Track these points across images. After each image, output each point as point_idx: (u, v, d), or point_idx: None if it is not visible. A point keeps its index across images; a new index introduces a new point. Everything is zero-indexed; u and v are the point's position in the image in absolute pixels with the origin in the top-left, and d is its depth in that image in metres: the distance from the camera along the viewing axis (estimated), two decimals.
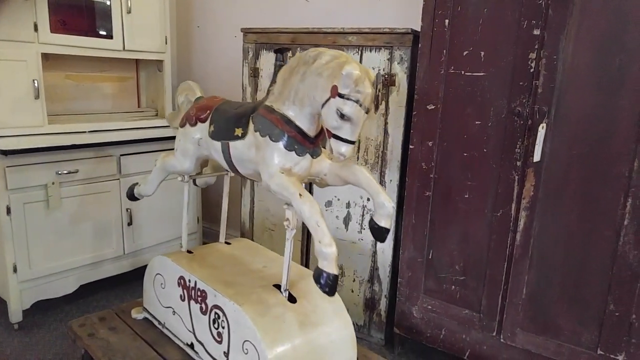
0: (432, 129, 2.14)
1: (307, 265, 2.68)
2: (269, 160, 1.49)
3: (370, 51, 2.31)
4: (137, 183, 2.08)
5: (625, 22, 1.69)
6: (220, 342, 1.65)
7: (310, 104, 1.43)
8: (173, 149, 2.96)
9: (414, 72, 2.23)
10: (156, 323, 2.00)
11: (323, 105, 1.37)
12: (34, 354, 2.35)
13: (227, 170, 2.01)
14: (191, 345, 1.80)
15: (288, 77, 1.49)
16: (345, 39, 2.34)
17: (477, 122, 2.02)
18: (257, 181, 1.72)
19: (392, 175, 2.34)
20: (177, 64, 3.80)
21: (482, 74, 1.99)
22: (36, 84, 2.64)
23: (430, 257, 2.23)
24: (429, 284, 2.25)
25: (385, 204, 1.45)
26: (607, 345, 1.85)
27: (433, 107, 2.12)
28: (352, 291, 2.54)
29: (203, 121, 1.74)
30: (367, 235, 2.43)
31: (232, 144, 1.62)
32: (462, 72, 2.03)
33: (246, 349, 1.53)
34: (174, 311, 1.88)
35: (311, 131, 1.50)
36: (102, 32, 2.97)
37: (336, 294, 1.74)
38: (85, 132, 2.91)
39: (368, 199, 2.42)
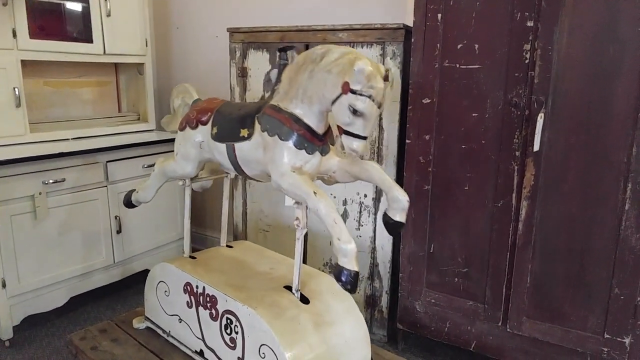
0: (428, 123, 2.14)
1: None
2: (279, 160, 1.46)
3: (362, 47, 2.30)
4: (134, 190, 2.03)
5: (617, 13, 1.73)
6: (233, 348, 1.62)
7: (319, 101, 1.41)
8: (163, 153, 2.95)
9: (407, 67, 2.24)
10: (160, 332, 1.95)
11: (334, 102, 1.36)
12: None
13: (226, 173, 1.99)
14: (200, 353, 1.76)
15: (294, 76, 1.47)
16: (336, 35, 2.33)
17: (474, 115, 2.04)
18: (262, 181, 1.70)
19: (389, 170, 2.34)
20: (156, 67, 3.73)
21: (477, 66, 2.00)
22: (17, 92, 2.57)
23: (431, 251, 2.24)
24: (431, 278, 2.26)
25: (400, 198, 1.44)
26: (613, 329, 1.89)
27: (429, 101, 2.12)
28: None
29: (204, 123, 1.70)
30: (365, 232, 2.43)
31: (237, 145, 1.59)
32: (457, 65, 2.04)
33: (263, 353, 1.51)
34: (180, 319, 1.84)
35: (320, 129, 1.48)
36: (82, 37, 2.89)
37: (346, 293, 1.74)
38: (68, 139, 2.85)
39: (365, 196, 2.41)
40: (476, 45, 1.99)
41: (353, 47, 2.30)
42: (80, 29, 2.93)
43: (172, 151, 2.97)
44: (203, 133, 1.71)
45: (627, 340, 1.87)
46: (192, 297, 1.77)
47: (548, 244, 1.97)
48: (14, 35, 2.54)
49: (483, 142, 2.04)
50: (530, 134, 1.91)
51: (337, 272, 1.36)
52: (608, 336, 1.90)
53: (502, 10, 1.92)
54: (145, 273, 2.98)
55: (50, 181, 2.49)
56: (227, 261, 1.92)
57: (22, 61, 2.60)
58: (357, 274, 1.35)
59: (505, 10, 1.91)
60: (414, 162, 2.20)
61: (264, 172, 1.58)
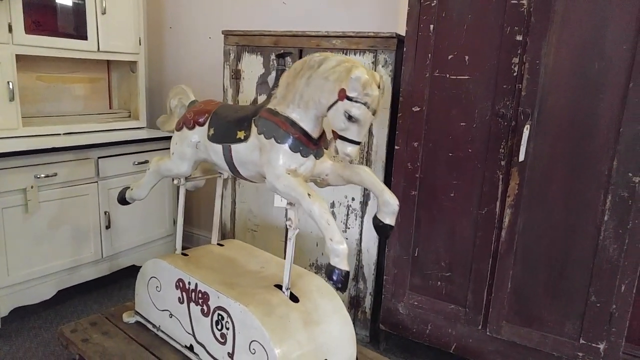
0: (417, 130, 2.20)
1: None
2: (275, 162, 1.51)
3: (355, 54, 2.36)
4: (128, 187, 2.06)
5: (604, 31, 1.81)
6: (224, 344, 1.66)
7: (315, 106, 1.47)
8: (154, 151, 2.98)
9: (398, 75, 2.30)
10: (150, 326, 1.99)
11: (330, 107, 1.41)
12: None
13: (219, 173, 2.04)
14: (190, 348, 1.80)
15: (292, 81, 1.52)
16: (330, 42, 2.38)
17: (462, 124, 2.11)
18: (256, 182, 1.74)
19: (377, 175, 2.37)
20: (148, 65, 3.75)
21: (466, 77, 2.07)
22: (11, 86, 2.58)
23: (416, 255, 2.30)
24: (414, 281, 2.33)
25: (390, 202, 1.49)
26: (588, 335, 1.96)
27: (418, 109, 2.19)
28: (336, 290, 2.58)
29: (201, 125, 1.74)
30: (352, 235, 2.49)
31: (234, 146, 1.64)
32: (447, 75, 2.11)
33: (253, 349, 1.56)
34: (170, 314, 1.88)
35: (315, 133, 1.54)
36: (77, 33, 2.91)
37: (334, 292, 1.80)
38: (60, 134, 2.87)
39: (353, 199, 2.47)
40: (466, 57, 2.06)
41: (346, 54, 2.36)
42: (75, 25, 2.94)
43: (163, 149, 3.05)
44: (200, 134, 1.75)
45: (601, 346, 1.95)
46: (184, 293, 1.80)
47: (529, 252, 2.04)
48: (10, 29, 2.55)
49: (470, 150, 2.10)
50: (515, 145, 1.98)
51: (328, 271, 1.41)
52: (583, 341, 1.98)
53: (492, 23, 1.99)
54: (132, 268, 3.04)
55: (42, 175, 2.50)
56: (218, 259, 1.96)
57: (16, 55, 2.61)
58: (347, 273, 1.40)
59: (496, 24, 1.98)
60: (402, 167, 2.26)
61: (259, 173, 1.63)
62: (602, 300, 1.92)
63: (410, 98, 2.19)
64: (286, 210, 2.40)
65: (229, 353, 1.65)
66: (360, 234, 2.48)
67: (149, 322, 2.00)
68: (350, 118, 1.37)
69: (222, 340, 1.67)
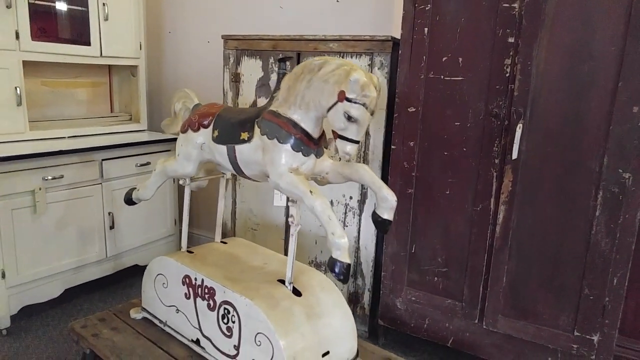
0: (413, 130, 2.28)
1: None
2: (278, 161, 1.58)
3: (351, 57, 2.43)
4: (134, 187, 2.13)
5: (592, 33, 1.88)
6: (230, 336, 1.72)
7: (316, 108, 1.54)
8: (156, 153, 3.05)
9: (393, 76, 2.37)
10: (157, 322, 2.05)
11: (329, 109, 1.48)
12: (28, 359, 2.36)
13: (222, 173, 2.10)
14: (197, 342, 1.87)
15: (293, 84, 1.58)
16: (327, 45, 2.45)
17: (456, 123, 2.18)
18: (259, 181, 1.81)
19: (375, 173, 2.46)
20: (147, 69, 3.82)
21: (460, 78, 2.14)
22: (18, 91, 2.65)
23: (413, 251, 2.37)
24: (412, 277, 2.40)
25: (389, 198, 1.56)
26: (582, 327, 2.04)
27: (414, 109, 2.26)
28: (336, 286, 2.65)
29: (206, 127, 1.81)
30: (350, 232, 2.55)
31: (238, 147, 1.71)
32: (442, 77, 2.18)
33: (259, 341, 1.62)
34: (177, 309, 1.94)
35: (315, 133, 1.60)
36: (80, 39, 2.98)
37: (335, 287, 1.87)
38: (64, 137, 2.94)
39: (350, 198, 2.54)
40: (460, 59, 2.13)
41: (343, 56, 2.43)
42: (78, 32, 3.01)
43: (164, 151, 3.13)
44: (204, 135, 1.82)
45: (595, 338, 2.02)
46: (190, 288, 1.87)
47: (523, 247, 2.12)
48: (17, 36, 2.63)
49: (464, 149, 2.17)
50: (509, 143, 2.05)
51: (331, 264, 1.47)
52: (578, 334, 2.05)
53: (485, 26, 2.06)
54: (134, 268, 3.10)
55: (49, 177, 2.58)
56: (223, 256, 2.03)
57: (23, 62, 2.68)
58: (349, 265, 1.47)
59: (488, 26, 2.06)
60: (399, 166, 2.33)
61: (262, 172, 1.70)
62: (595, 293, 1.99)
63: (406, 99, 2.26)
64: (288, 207, 2.48)
65: (234, 346, 1.71)
66: (359, 232, 2.55)
67: (155, 317, 2.06)
68: (349, 118, 1.44)
69: (228, 334, 1.73)
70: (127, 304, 2.25)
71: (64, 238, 2.71)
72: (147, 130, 3.43)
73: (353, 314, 2.62)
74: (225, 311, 1.73)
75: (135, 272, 3.25)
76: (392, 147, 2.33)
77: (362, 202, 2.51)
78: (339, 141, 1.50)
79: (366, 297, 2.60)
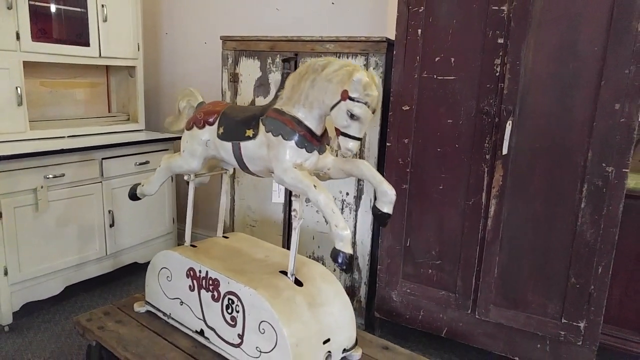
0: (407, 128, 2.36)
1: None
2: (282, 157, 1.65)
3: (347, 57, 2.50)
4: (139, 183, 2.19)
5: (577, 34, 1.98)
6: (234, 326, 1.79)
7: (319, 106, 1.61)
8: (154, 152, 3.11)
9: (388, 76, 2.45)
10: (161, 315, 2.11)
11: (333, 107, 1.56)
12: (31, 354, 2.41)
13: (225, 170, 2.17)
14: (201, 332, 1.93)
15: (297, 83, 1.66)
16: (323, 46, 2.53)
17: (449, 121, 2.27)
18: (263, 177, 1.88)
19: None
20: (144, 70, 3.87)
21: (452, 77, 2.23)
22: (19, 91, 2.70)
23: (408, 245, 2.45)
24: (407, 270, 2.48)
25: (388, 192, 1.64)
26: (570, 314, 2.13)
27: (408, 108, 2.34)
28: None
29: (211, 124, 1.88)
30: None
31: (243, 144, 1.78)
32: (435, 76, 2.27)
33: (263, 329, 1.69)
34: (181, 302, 2.01)
35: (318, 130, 1.68)
36: (80, 40, 3.03)
37: (335, 278, 1.94)
38: (64, 137, 2.99)
39: (347, 194, 2.61)
40: (452, 59, 2.22)
41: (339, 57, 2.51)
42: (78, 32, 3.06)
43: (163, 150, 3.19)
44: (209, 132, 1.89)
45: (581, 325, 2.12)
46: (194, 281, 1.93)
47: (514, 239, 2.21)
48: (17, 37, 2.68)
49: (457, 146, 2.26)
50: (499, 139, 2.14)
51: (334, 254, 1.55)
52: (565, 321, 2.14)
53: (476, 28, 2.15)
54: (133, 266, 3.15)
55: (51, 176, 2.63)
56: (225, 249, 2.09)
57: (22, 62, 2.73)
58: (351, 256, 1.55)
59: (479, 28, 2.15)
60: (394, 163, 2.41)
61: (266, 168, 1.77)
62: (581, 281, 2.09)
63: (400, 98, 2.34)
64: (285, 204, 2.56)
65: (239, 334, 1.78)
66: (355, 227, 2.63)
67: (159, 311, 2.12)
68: (352, 116, 1.52)
69: (232, 323, 1.80)
70: (131, 298, 2.31)
71: (65, 236, 2.76)
72: (145, 130, 3.48)
73: None
74: (230, 301, 1.80)
75: (134, 270, 3.31)
76: (387, 144, 2.41)
77: (358, 198, 2.59)
78: (341, 138, 1.57)
79: (362, 291, 2.68)
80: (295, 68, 2.53)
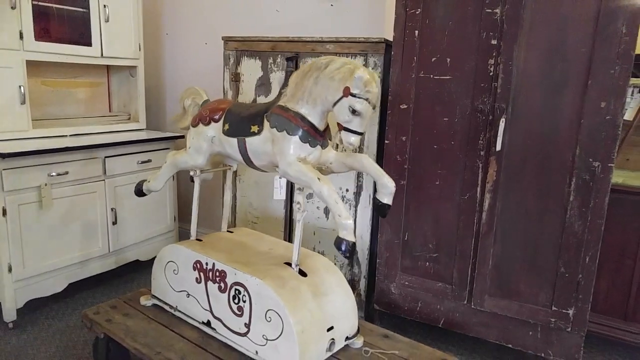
0: (405, 126, 2.44)
1: None
2: (287, 151, 1.73)
3: (347, 57, 2.58)
4: (145, 180, 2.25)
5: (565, 36, 2.08)
6: (241, 315, 1.86)
7: (322, 103, 1.69)
8: (156, 150, 3.16)
9: (386, 76, 2.54)
10: (167, 308, 2.17)
11: (335, 103, 1.64)
12: (36, 350, 2.46)
13: (229, 166, 2.24)
14: (207, 323, 2.00)
15: (300, 81, 1.73)
16: (323, 47, 2.60)
17: (445, 119, 2.35)
18: (267, 171, 1.96)
19: None
20: (145, 70, 3.93)
21: (448, 77, 2.32)
22: (22, 90, 2.75)
23: (405, 239, 2.53)
24: (405, 263, 2.56)
25: (388, 184, 1.72)
26: (559, 302, 2.23)
27: (406, 106, 2.43)
28: None
29: (216, 121, 1.95)
30: None
31: (248, 139, 1.85)
32: (431, 76, 2.36)
33: (269, 317, 1.76)
34: (188, 294, 2.07)
35: (321, 126, 1.76)
36: (82, 40, 3.09)
37: (337, 269, 2.02)
38: (66, 135, 3.03)
39: (347, 190, 2.69)
40: (448, 59, 2.30)
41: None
42: (80, 32, 3.12)
43: (165, 149, 3.25)
44: (215, 129, 1.96)
45: (570, 312, 2.21)
46: (201, 273, 2.00)
47: (507, 231, 2.30)
48: (21, 37, 2.73)
49: (452, 142, 2.35)
50: (493, 136, 2.23)
51: (337, 242, 1.62)
52: (555, 308, 2.24)
53: (470, 30, 2.24)
54: (135, 263, 3.20)
55: (54, 174, 2.68)
56: (231, 243, 2.17)
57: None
58: (354, 244, 1.63)
59: (473, 30, 2.23)
60: (392, 160, 2.50)
61: (271, 162, 1.85)
62: (570, 271, 2.18)
63: (398, 97, 2.43)
64: (287, 201, 2.62)
65: (245, 324, 1.85)
66: (354, 222, 2.70)
67: (166, 304, 2.19)
68: (354, 112, 1.60)
69: (239, 313, 1.87)
70: (136, 292, 2.36)
71: (68, 233, 2.81)
72: (146, 129, 3.54)
73: None
74: (236, 292, 1.87)
75: (136, 268, 3.36)
76: (386, 141, 2.50)
77: (357, 194, 2.67)
78: (343, 133, 1.65)
79: (362, 284, 2.75)
80: (296, 67, 2.60)
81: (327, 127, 1.80)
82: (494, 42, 2.20)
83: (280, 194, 2.80)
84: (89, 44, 3.09)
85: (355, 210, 2.69)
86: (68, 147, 2.69)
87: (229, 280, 1.90)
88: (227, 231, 2.33)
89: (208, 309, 2.00)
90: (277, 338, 1.75)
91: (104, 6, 3.11)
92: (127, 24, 3.30)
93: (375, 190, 1.78)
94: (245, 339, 1.86)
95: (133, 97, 3.52)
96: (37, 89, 3.13)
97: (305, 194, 1.84)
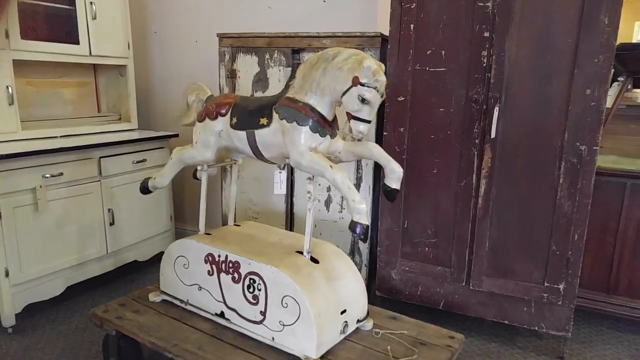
0: (402, 117, 2.52)
1: None
2: (298, 141, 1.77)
3: (352, 49, 2.63)
4: (150, 177, 2.27)
5: (552, 27, 2.19)
6: (256, 304, 1.90)
7: (330, 93, 1.74)
8: (150, 150, 3.16)
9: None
10: (177, 302, 2.20)
11: (344, 93, 1.69)
12: (41, 352, 2.44)
13: (234, 160, 2.27)
14: (221, 314, 2.03)
15: (308, 72, 1.78)
16: (320, 42, 2.65)
17: (441, 109, 2.44)
18: (277, 163, 2.01)
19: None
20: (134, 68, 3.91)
21: (443, 69, 2.40)
22: (10, 90, 2.70)
23: (405, 226, 2.61)
24: (405, 249, 2.64)
25: (396, 169, 1.78)
26: (551, 278, 2.36)
27: (403, 98, 2.50)
28: None
29: (223, 115, 1.99)
30: (347, 215, 2.77)
31: (257, 132, 1.89)
32: (427, 68, 2.44)
33: (285, 303, 1.81)
34: (199, 287, 2.10)
35: (329, 116, 1.81)
36: (69, 38, 3.04)
37: (345, 255, 2.08)
38: (57, 136, 3.00)
39: None
40: (443, 52, 2.39)
41: None
42: (67, 30, 3.07)
43: (159, 148, 3.25)
44: (222, 123, 2.00)
45: (561, 286, 2.35)
46: (213, 265, 2.03)
47: (502, 215, 2.40)
48: (7, 35, 2.67)
49: (448, 132, 2.44)
50: (487, 125, 2.33)
51: (352, 225, 1.69)
52: (547, 284, 2.37)
53: (464, 23, 2.33)
54: (133, 264, 3.19)
55: (49, 175, 2.64)
56: (240, 235, 2.20)
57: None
58: (368, 227, 1.69)
59: (467, 23, 2.32)
60: (391, 151, 2.56)
61: (281, 154, 1.89)
62: (561, 248, 2.32)
63: (395, 89, 2.50)
64: (287, 196, 2.66)
65: (261, 311, 1.90)
66: None
67: (176, 298, 2.21)
68: (363, 100, 1.66)
69: (254, 302, 1.91)
70: (144, 289, 2.37)
71: (65, 235, 2.77)
72: (138, 129, 3.52)
73: None
74: (251, 281, 1.91)
75: (135, 268, 3.35)
76: (384, 133, 2.57)
77: (357, 185, 2.73)
78: (352, 122, 1.71)
79: (364, 272, 2.81)
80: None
81: (335, 118, 1.86)
82: (486, 34, 2.29)
83: (280, 188, 2.84)
84: (77, 42, 3.04)
85: None
86: (62, 148, 2.66)
87: (243, 271, 1.94)
88: (234, 225, 2.36)
89: (221, 300, 2.03)
90: (294, 322, 1.80)
91: (91, 3, 3.06)
92: (114, 22, 3.26)
93: (383, 177, 1.84)
94: (261, 327, 1.91)
95: (123, 97, 3.49)
96: (22, 89, 3.04)
97: (315, 183, 1.89)
